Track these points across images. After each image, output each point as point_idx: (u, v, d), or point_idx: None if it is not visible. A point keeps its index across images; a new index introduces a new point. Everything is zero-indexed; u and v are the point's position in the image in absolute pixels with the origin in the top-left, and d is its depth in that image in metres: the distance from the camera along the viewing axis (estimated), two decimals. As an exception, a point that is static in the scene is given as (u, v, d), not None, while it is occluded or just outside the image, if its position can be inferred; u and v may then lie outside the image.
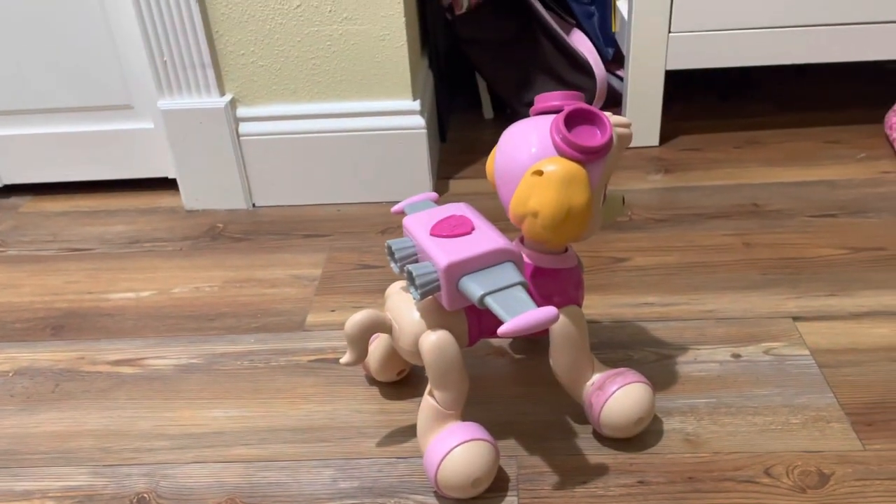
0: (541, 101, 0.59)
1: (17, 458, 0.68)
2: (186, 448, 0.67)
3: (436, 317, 0.59)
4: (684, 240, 0.92)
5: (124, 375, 0.77)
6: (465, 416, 0.61)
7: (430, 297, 0.59)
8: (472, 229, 0.59)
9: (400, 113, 1.00)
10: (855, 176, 1.03)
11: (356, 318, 0.60)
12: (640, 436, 0.64)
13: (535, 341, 0.75)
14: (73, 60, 1.02)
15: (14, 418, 0.72)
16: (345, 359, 0.62)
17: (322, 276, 0.90)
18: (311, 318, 0.83)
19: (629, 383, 0.62)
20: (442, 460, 0.58)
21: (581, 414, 0.65)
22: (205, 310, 0.86)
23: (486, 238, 0.58)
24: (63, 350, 0.81)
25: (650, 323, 0.78)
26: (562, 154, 0.56)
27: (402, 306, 0.61)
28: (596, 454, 0.63)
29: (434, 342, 0.58)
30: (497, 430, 0.63)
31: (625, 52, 1.12)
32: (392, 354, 0.68)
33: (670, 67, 1.09)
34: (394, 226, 0.99)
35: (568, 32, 1.22)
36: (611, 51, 1.23)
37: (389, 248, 0.60)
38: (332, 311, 0.84)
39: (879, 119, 1.15)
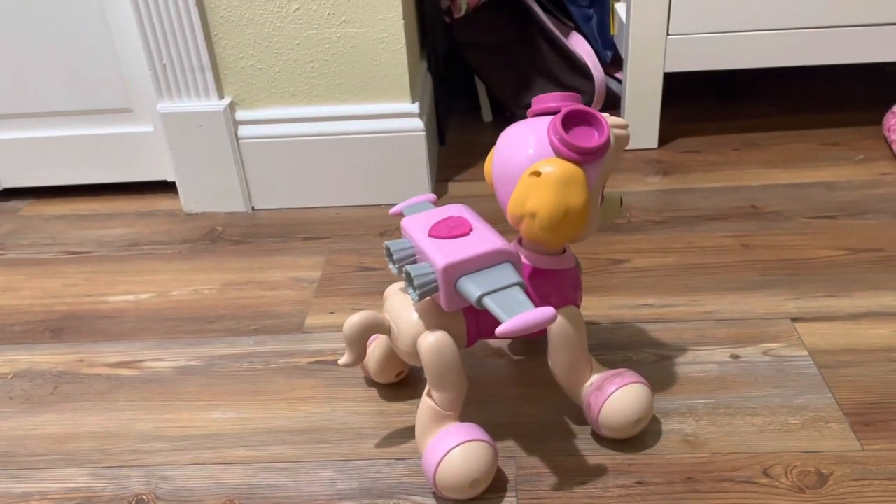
0: (538, 103, 0.59)
1: (16, 459, 0.68)
2: (185, 450, 0.67)
3: (434, 318, 0.60)
4: (683, 241, 0.92)
5: (123, 377, 0.77)
6: (464, 417, 0.61)
7: (429, 298, 0.59)
8: (470, 230, 0.59)
9: (399, 116, 1.01)
10: (853, 177, 1.03)
11: (354, 320, 0.60)
12: (639, 436, 0.64)
13: (533, 342, 0.76)
14: (73, 64, 1.03)
15: (13, 420, 0.72)
16: (343, 360, 0.62)
17: (321, 279, 0.90)
18: (310, 320, 0.83)
19: (628, 384, 0.62)
20: (440, 461, 0.58)
21: (580, 415, 0.65)
22: (204, 312, 0.86)
23: (484, 239, 0.58)
24: (62, 352, 0.81)
25: (649, 324, 0.78)
26: (559, 155, 0.56)
27: (401, 307, 0.61)
28: (594, 455, 0.63)
29: (432, 343, 0.58)
30: (496, 430, 0.63)
31: (623, 55, 1.12)
32: (391, 356, 0.68)
33: (668, 70, 1.09)
34: (393, 228, 0.99)
35: (566, 35, 1.22)
36: (609, 54, 1.23)
37: (388, 249, 0.60)
38: (331, 313, 0.84)
39: (878, 121, 1.15)
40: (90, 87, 1.04)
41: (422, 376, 0.60)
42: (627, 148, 1.12)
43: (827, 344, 0.73)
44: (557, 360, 0.62)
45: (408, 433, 0.66)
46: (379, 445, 0.66)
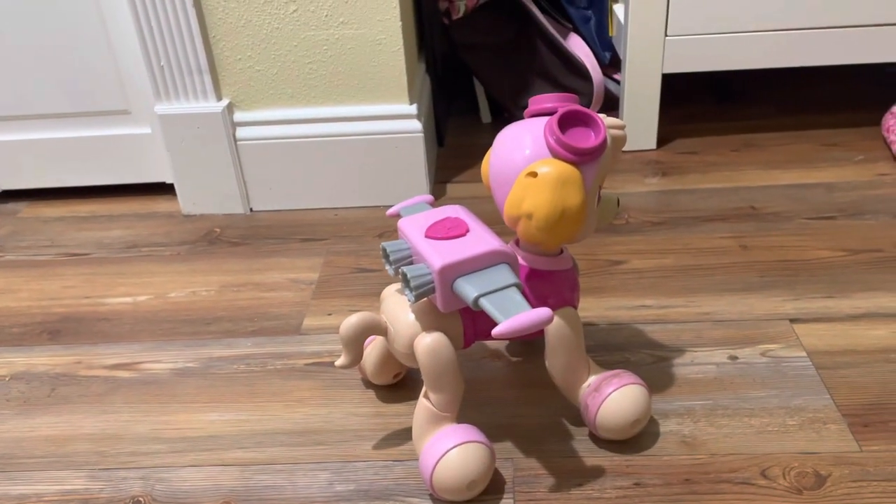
0: (535, 104, 0.59)
1: (13, 462, 0.68)
2: (182, 451, 0.67)
3: (431, 319, 0.59)
4: (681, 242, 0.92)
5: (121, 379, 0.77)
6: (461, 419, 0.61)
7: (425, 299, 0.59)
8: (467, 231, 0.59)
9: (397, 117, 1.01)
10: (852, 178, 1.03)
11: (351, 321, 0.60)
12: (637, 438, 0.64)
13: (531, 344, 0.75)
14: (71, 66, 1.03)
15: (10, 422, 0.72)
16: (340, 361, 0.62)
17: (319, 280, 0.90)
18: (307, 322, 0.83)
19: (625, 385, 0.61)
20: (437, 463, 0.58)
21: (577, 416, 0.65)
22: (201, 314, 0.86)
23: (481, 240, 0.58)
24: (60, 354, 0.81)
25: (647, 325, 0.78)
26: (556, 156, 0.56)
27: (397, 308, 0.61)
28: (592, 456, 0.63)
29: (429, 344, 0.58)
30: (493, 432, 0.63)
31: (621, 56, 1.12)
32: (388, 357, 0.68)
33: (667, 71, 1.09)
34: (391, 229, 0.99)
35: (565, 37, 1.22)
36: (608, 55, 1.23)
37: (384, 250, 0.60)
38: (329, 314, 0.84)
39: (877, 121, 1.15)
40: (88, 89, 1.04)
41: (419, 378, 0.60)
42: (626, 149, 1.13)
43: (825, 345, 0.73)
44: (555, 361, 0.62)
45: (405, 435, 0.66)
46: (376, 447, 0.66)
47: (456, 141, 1.24)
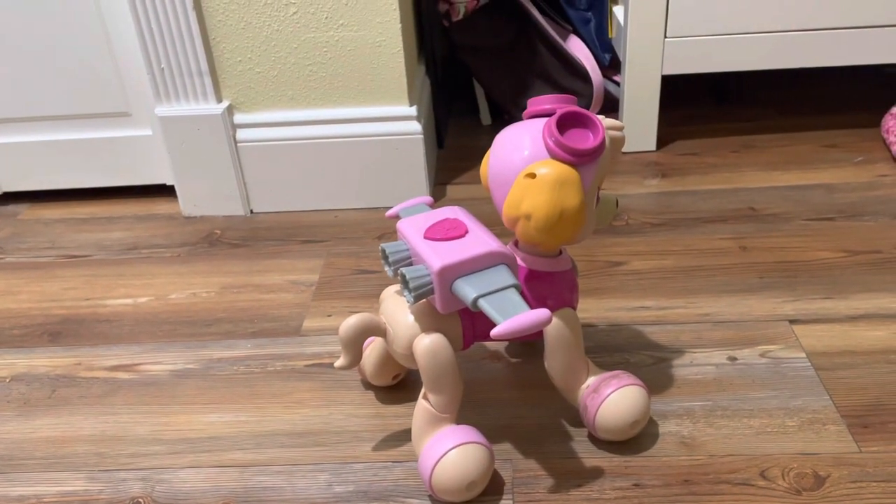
0: (533, 105, 0.59)
1: (12, 463, 0.68)
2: (182, 453, 0.67)
3: (430, 320, 0.60)
4: (681, 244, 0.92)
5: (121, 381, 0.77)
6: (460, 420, 0.61)
7: (424, 300, 0.59)
8: (466, 232, 0.59)
9: (397, 119, 1.01)
10: (852, 179, 1.03)
11: (350, 322, 0.60)
12: (636, 439, 0.64)
13: (530, 345, 0.75)
14: (71, 68, 1.03)
15: (10, 424, 0.72)
16: (339, 362, 0.62)
17: (319, 282, 0.90)
18: (307, 323, 0.83)
19: (624, 386, 0.62)
20: (436, 464, 0.58)
21: (576, 417, 0.65)
22: (202, 315, 0.86)
23: (480, 241, 0.58)
24: (60, 356, 0.81)
25: (646, 326, 0.78)
26: (554, 157, 0.56)
27: (397, 310, 0.61)
28: (591, 457, 0.63)
29: (428, 345, 0.58)
30: (492, 433, 0.63)
31: (621, 58, 1.12)
32: (387, 359, 0.68)
33: (666, 72, 1.09)
34: (391, 231, 0.99)
35: (565, 38, 1.22)
36: (608, 56, 1.23)
37: (383, 251, 0.60)
38: (329, 315, 0.84)
39: (876, 123, 1.15)
40: (89, 91, 1.04)
41: (418, 379, 0.60)
42: (625, 150, 1.13)
43: (824, 346, 0.73)
44: (554, 362, 0.62)
45: (404, 436, 0.66)
46: (375, 448, 0.66)
47: (456, 143, 1.24)
